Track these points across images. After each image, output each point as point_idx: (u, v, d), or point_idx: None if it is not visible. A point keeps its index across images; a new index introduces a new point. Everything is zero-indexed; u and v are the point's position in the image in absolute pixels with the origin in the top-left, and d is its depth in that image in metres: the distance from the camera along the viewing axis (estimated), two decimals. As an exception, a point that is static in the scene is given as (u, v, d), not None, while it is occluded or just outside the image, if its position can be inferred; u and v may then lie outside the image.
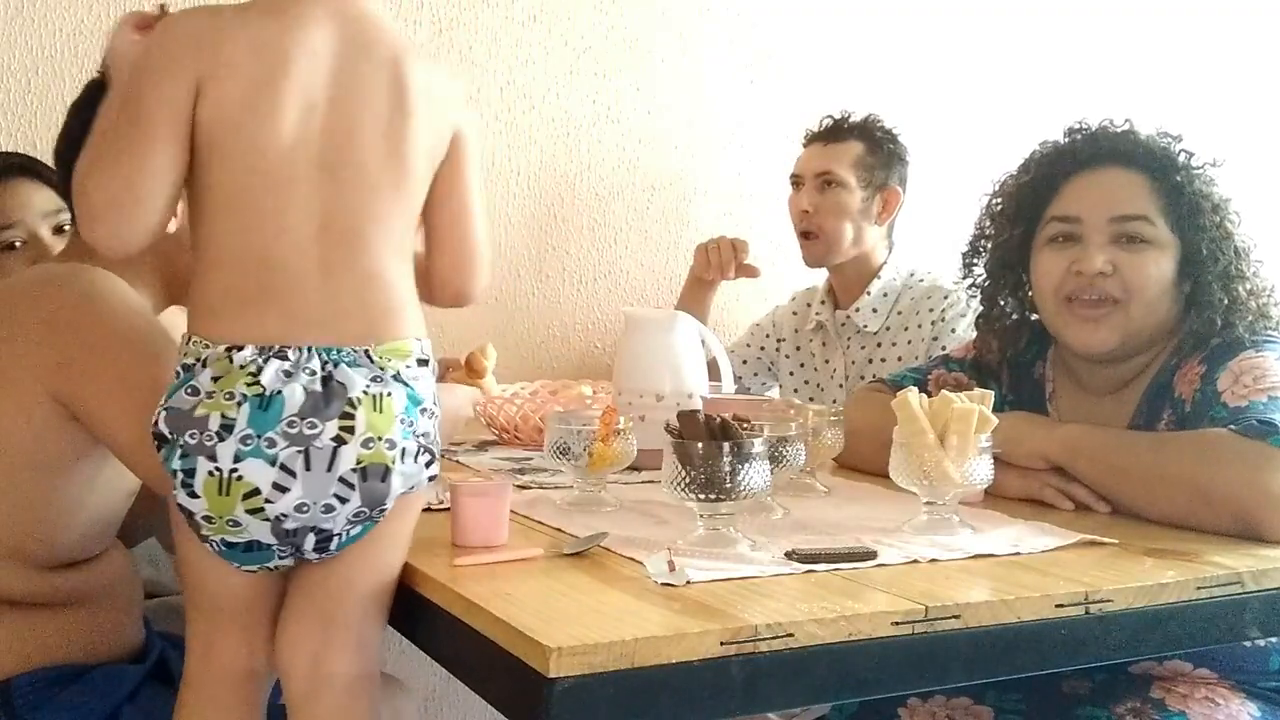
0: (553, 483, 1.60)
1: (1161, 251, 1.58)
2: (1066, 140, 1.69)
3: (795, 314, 2.57)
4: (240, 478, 1.08)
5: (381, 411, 1.11)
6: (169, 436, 1.10)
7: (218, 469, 1.08)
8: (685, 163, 2.71)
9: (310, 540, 1.13)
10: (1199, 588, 1.19)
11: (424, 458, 1.16)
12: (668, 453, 1.22)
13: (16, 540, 1.34)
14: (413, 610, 1.17)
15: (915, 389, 1.38)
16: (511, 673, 0.94)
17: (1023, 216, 1.70)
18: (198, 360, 1.11)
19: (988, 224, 1.76)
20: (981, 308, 1.79)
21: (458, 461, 1.82)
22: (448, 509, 1.26)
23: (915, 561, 1.20)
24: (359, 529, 1.14)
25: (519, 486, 1.55)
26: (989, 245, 1.76)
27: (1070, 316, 1.61)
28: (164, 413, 1.10)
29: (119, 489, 1.41)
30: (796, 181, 2.43)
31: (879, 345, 2.40)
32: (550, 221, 2.57)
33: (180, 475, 1.10)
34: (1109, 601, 1.13)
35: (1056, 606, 1.11)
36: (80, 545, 1.40)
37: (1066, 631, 1.11)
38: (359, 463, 1.10)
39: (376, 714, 1.20)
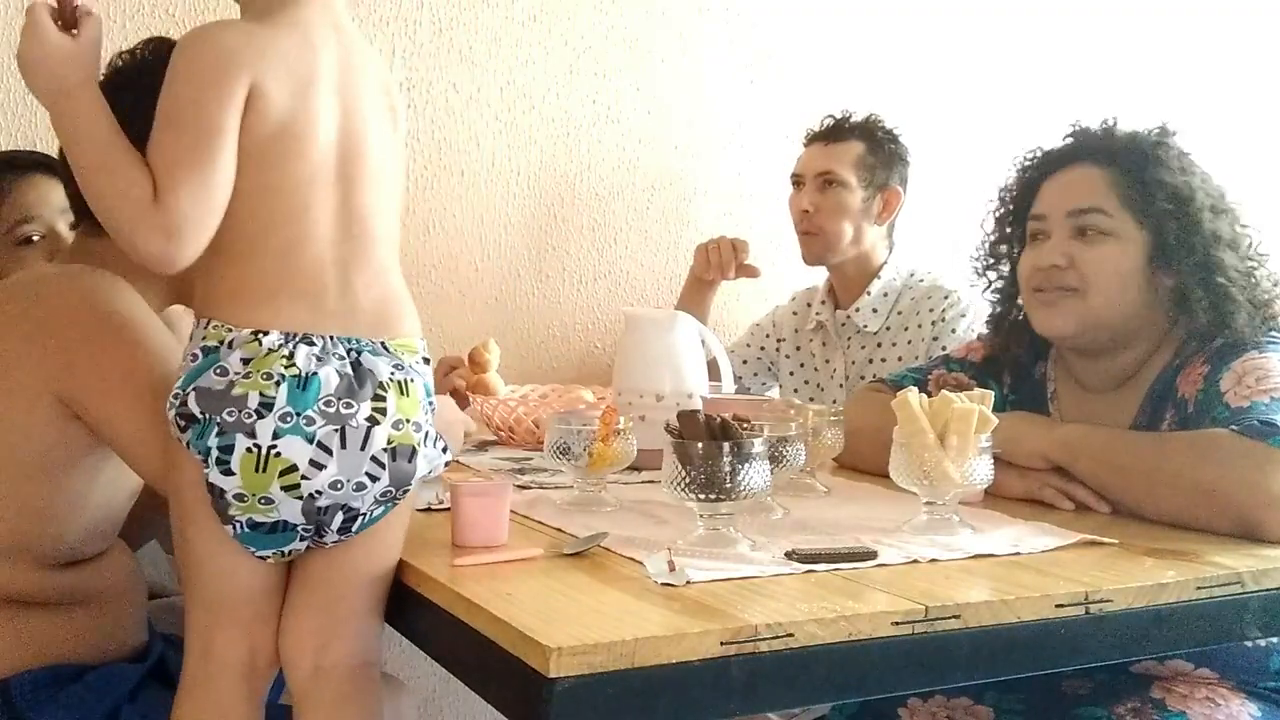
0: (553, 483, 1.60)
1: (1122, 243, 1.59)
2: (1050, 146, 1.74)
3: (795, 314, 2.57)
4: (279, 454, 1.11)
5: (408, 395, 1.16)
6: (200, 416, 1.12)
7: (256, 445, 1.11)
8: (685, 163, 2.71)
9: (338, 519, 1.16)
10: (1199, 588, 1.19)
11: (440, 443, 1.22)
12: (668, 453, 1.22)
13: (19, 538, 1.34)
14: (413, 610, 1.17)
15: (915, 389, 1.38)
16: (511, 673, 0.94)
17: (1014, 219, 1.77)
18: (222, 342, 1.13)
19: (991, 229, 1.81)
20: (998, 310, 1.82)
21: (458, 461, 1.81)
22: (448, 509, 1.27)
23: (915, 561, 1.20)
24: (380, 510, 1.18)
25: (519, 486, 1.55)
26: (993, 250, 1.81)
27: (1034, 304, 1.67)
28: (193, 393, 1.12)
29: (121, 488, 1.41)
30: (797, 181, 2.43)
31: (879, 345, 2.40)
32: (550, 221, 2.57)
33: (216, 453, 1.11)
34: (1109, 601, 1.13)
35: (1056, 606, 1.11)
36: (82, 544, 1.40)
37: (1066, 631, 1.11)
38: (390, 443, 1.15)
39: (379, 703, 1.22)
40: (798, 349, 2.55)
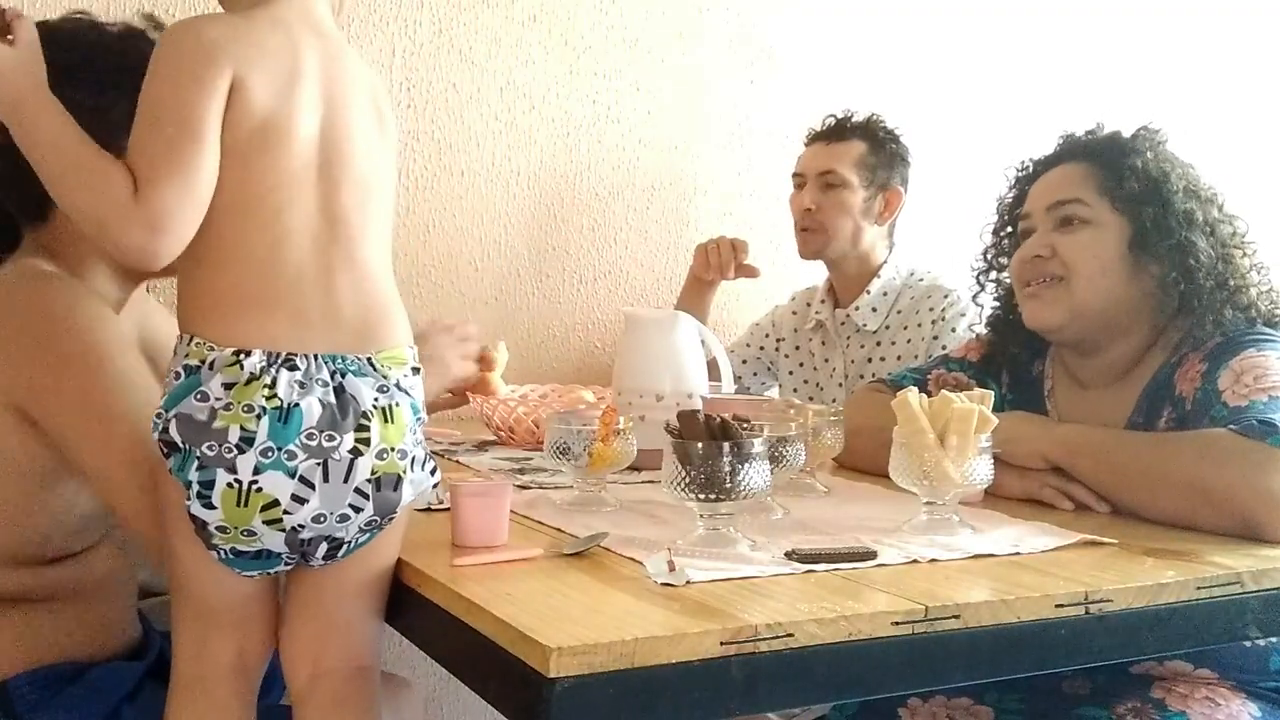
0: (553, 483, 1.60)
1: (1100, 228, 1.62)
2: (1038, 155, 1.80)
3: (795, 314, 2.57)
4: (260, 489, 1.09)
5: (393, 422, 1.13)
6: (181, 445, 1.10)
7: (237, 481, 1.09)
8: (685, 163, 2.71)
9: (322, 548, 1.15)
10: (1199, 588, 1.19)
11: (429, 465, 1.19)
12: (668, 453, 1.22)
13: (8, 541, 1.34)
14: (413, 610, 1.17)
15: (915, 389, 1.38)
16: (511, 673, 0.94)
17: (1007, 226, 1.82)
18: (203, 362, 1.10)
19: (989, 240, 1.86)
20: (1000, 314, 1.84)
21: (458, 461, 1.82)
22: (448, 509, 1.27)
23: (915, 561, 1.20)
24: (367, 536, 1.16)
25: (519, 486, 1.55)
26: (992, 258, 1.86)
27: (1023, 299, 1.70)
28: (175, 420, 1.09)
29: None
30: (799, 181, 2.43)
31: (879, 344, 2.40)
32: (550, 221, 2.57)
33: (197, 486, 1.09)
34: (1109, 601, 1.13)
35: (1056, 606, 1.11)
36: (70, 542, 1.39)
37: (1066, 631, 1.11)
38: (374, 473, 1.12)
39: (376, 705, 1.21)
40: (797, 349, 2.55)
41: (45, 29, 1.18)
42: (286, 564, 1.16)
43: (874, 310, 2.40)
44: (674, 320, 1.79)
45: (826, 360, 2.48)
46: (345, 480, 1.11)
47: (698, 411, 1.26)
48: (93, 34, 1.42)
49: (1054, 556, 1.26)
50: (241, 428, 1.08)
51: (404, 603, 1.19)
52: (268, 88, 1.12)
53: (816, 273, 2.53)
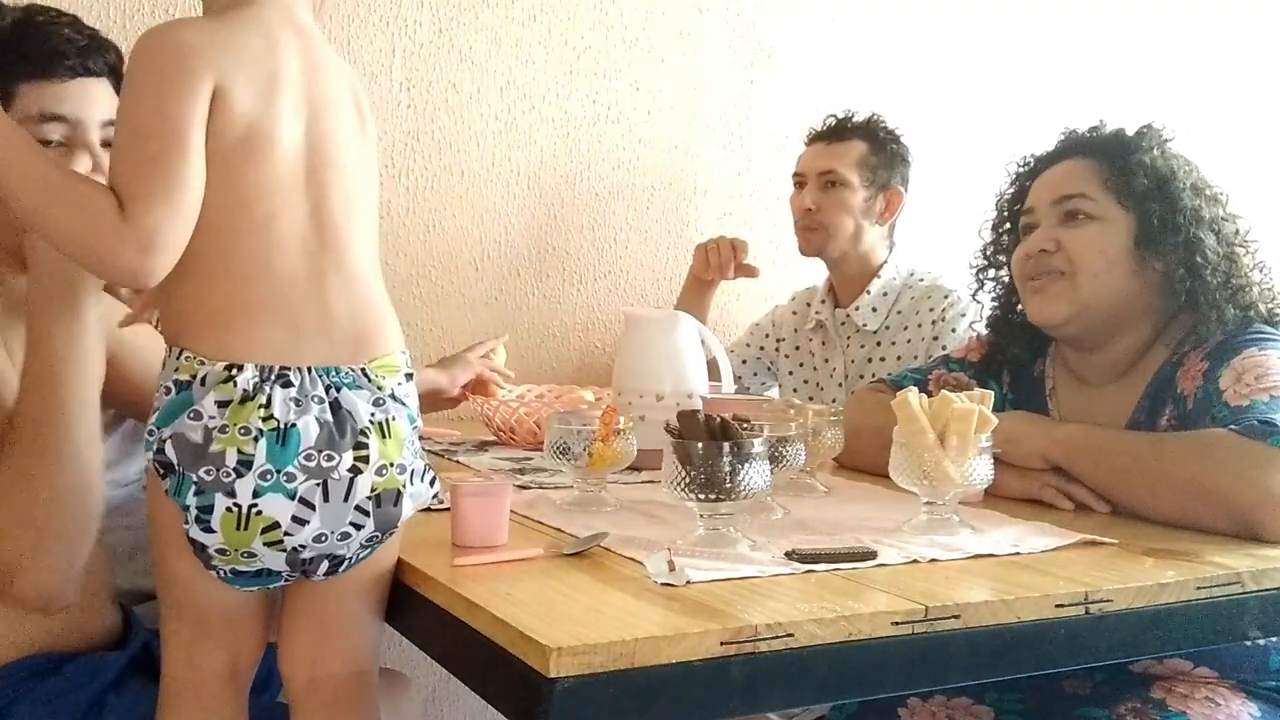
0: (553, 483, 1.60)
1: (1105, 224, 1.62)
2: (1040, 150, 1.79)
3: (795, 314, 2.57)
4: (260, 513, 1.08)
5: (390, 437, 1.12)
6: (176, 468, 1.08)
7: (236, 505, 1.07)
8: (685, 163, 2.71)
9: (323, 566, 1.14)
10: (1199, 588, 1.19)
11: (428, 476, 1.18)
12: (668, 453, 1.21)
13: None
14: (413, 610, 1.17)
15: (915, 389, 1.38)
16: (511, 673, 0.94)
17: (1007, 222, 1.81)
18: (194, 378, 1.08)
19: (988, 236, 1.85)
20: (998, 312, 1.84)
21: (458, 461, 1.82)
22: (448, 509, 1.26)
23: (915, 561, 1.20)
24: (367, 552, 1.16)
25: (519, 486, 1.55)
26: (991, 256, 1.85)
27: (1027, 294, 1.69)
28: (170, 440, 1.08)
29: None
30: (799, 180, 2.43)
31: (879, 344, 2.40)
32: (550, 221, 2.57)
33: (195, 511, 1.08)
34: (1109, 601, 1.13)
35: (1056, 606, 1.11)
36: None
37: (1066, 631, 1.11)
38: (373, 490, 1.11)
39: (374, 707, 1.21)
40: (797, 349, 2.55)
41: None
42: (287, 580, 1.16)
43: (874, 310, 2.40)
44: (674, 320, 1.79)
45: (826, 360, 2.48)
46: (345, 499, 1.10)
47: (698, 411, 1.26)
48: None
49: (1054, 556, 1.26)
50: (239, 451, 1.06)
51: (404, 603, 1.19)
52: (250, 93, 1.09)
53: (816, 273, 2.53)
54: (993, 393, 1.38)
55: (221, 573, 1.13)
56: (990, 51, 3.00)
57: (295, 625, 1.19)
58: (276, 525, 1.08)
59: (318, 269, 1.13)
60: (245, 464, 1.07)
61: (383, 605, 1.20)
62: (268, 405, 1.07)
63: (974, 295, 1.88)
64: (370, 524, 1.12)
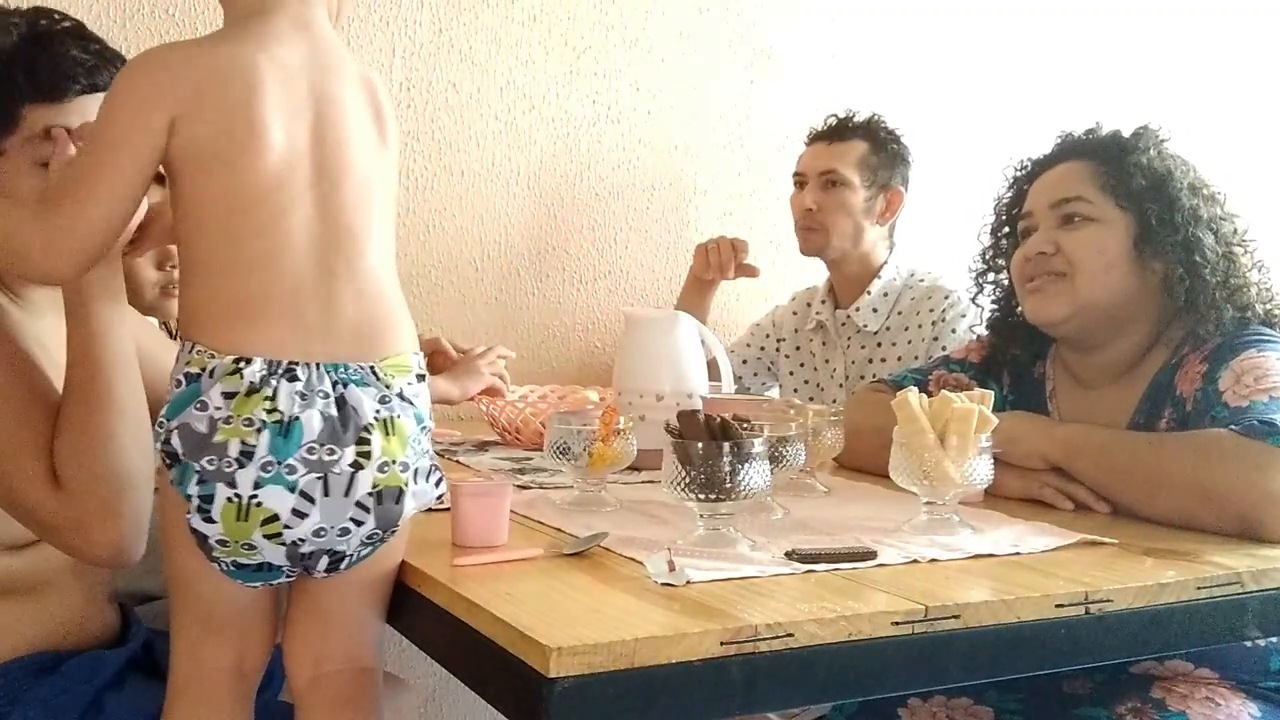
0: (553, 483, 1.60)
1: (1104, 226, 1.63)
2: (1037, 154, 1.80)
3: (795, 314, 2.57)
4: (260, 504, 1.08)
5: (394, 434, 1.12)
6: (181, 458, 1.09)
7: (237, 495, 1.08)
8: (685, 163, 2.71)
9: (323, 561, 1.14)
10: (1199, 588, 1.19)
11: (435, 476, 1.17)
12: (668, 453, 1.21)
13: None
14: (413, 610, 1.17)
15: (915, 389, 1.38)
16: (511, 673, 0.94)
17: (1006, 225, 1.82)
18: (203, 370, 1.10)
19: (987, 240, 1.86)
20: (997, 315, 1.84)
21: (458, 461, 1.82)
22: (448, 509, 1.26)
23: (915, 561, 1.20)
24: (368, 550, 1.16)
25: (519, 486, 1.55)
26: (990, 259, 1.86)
27: (1025, 295, 1.70)
28: (176, 430, 1.09)
29: None
30: (800, 180, 2.43)
31: (879, 345, 2.40)
32: (550, 221, 2.57)
33: (197, 500, 1.09)
34: (1109, 601, 1.13)
35: (1056, 606, 1.11)
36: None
37: (1066, 631, 1.11)
38: (375, 486, 1.11)
39: (378, 706, 1.21)
40: (798, 349, 2.55)
41: None
42: (288, 576, 1.16)
43: (874, 311, 2.40)
44: (674, 320, 1.79)
45: (827, 361, 2.48)
46: (346, 494, 1.10)
47: (698, 411, 1.26)
48: None
49: (1054, 556, 1.26)
50: (242, 442, 1.07)
51: (404, 603, 1.19)
52: (217, 116, 1.11)
53: (817, 273, 2.53)
54: (993, 393, 1.38)
55: (223, 565, 1.13)
56: (990, 52, 3.00)
57: (300, 622, 1.20)
58: (276, 517, 1.09)
59: (328, 267, 1.14)
60: (247, 455, 1.07)
61: (386, 604, 1.21)
62: (273, 398, 1.08)
63: (974, 299, 1.89)
64: (371, 520, 1.12)
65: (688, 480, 1.20)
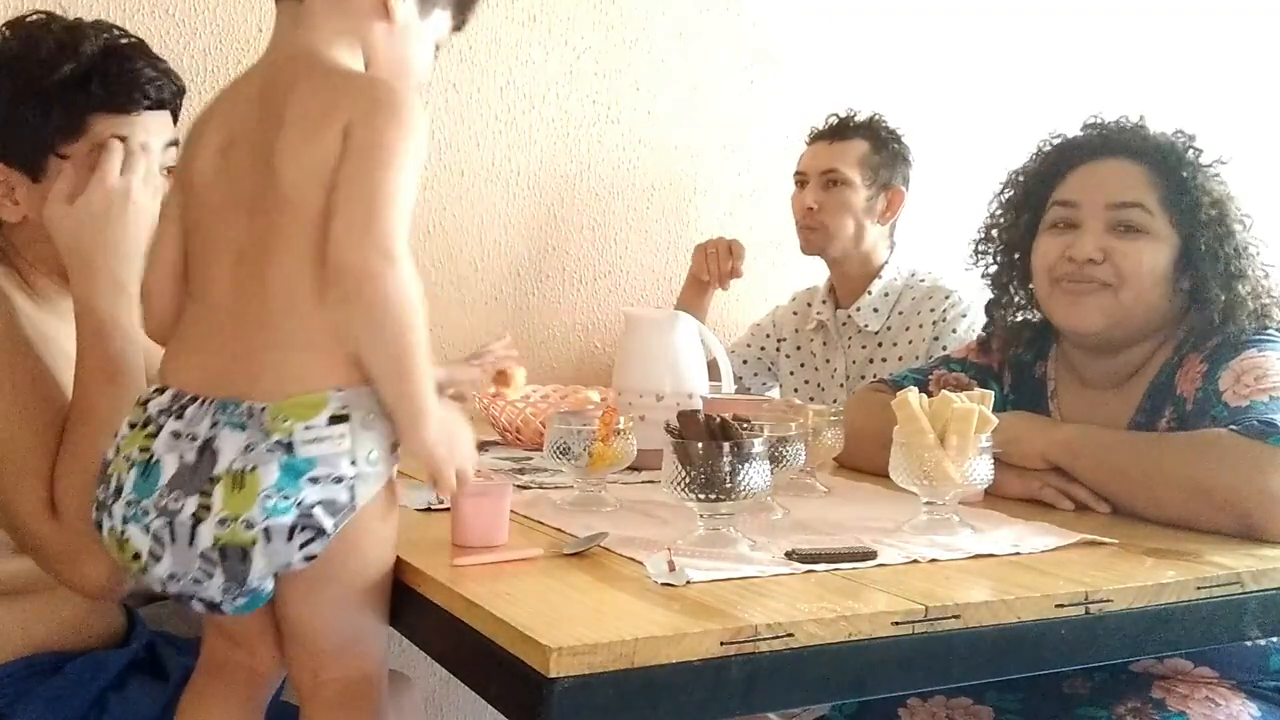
0: (553, 483, 1.60)
1: (1157, 242, 1.58)
2: (1078, 132, 1.70)
3: (796, 314, 2.57)
4: (127, 539, 1.09)
5: (242, 488, 1.04)
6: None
7: (113, 528, 1.11)
8: (685, 163, 2.71)
9: (202, 605, 1.11)
10: (1199, 588, 1.19)
11: (302, 536, 1.05)
12: (668, 453, 1.21)
13: None
14: (413, 611, 1.17)
15: (915, 389, 1.38)
16: (511, 673, 0.94)
17: (1029, 204, 1.71)
18: (140, 402, 1.14)
19: (998, 212, 1.77)
20: (991, 295, 1.80)
21: (458, 461, 1.81)
22: (448, 509, 1.26)
23: (915, 561, 1.20)
24: (245, 600, 1.10)
25: (519, 486, 1.55)
26: (999, 233, 1.77)
27: (1060, 295, 1.62)
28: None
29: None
30: (801, 179, 2.43)
31: (880, 345, 2.40)
32: (550, 221, 2.57)
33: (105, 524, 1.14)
34: (1109, 601, 1.13)
35: (1056, 606, 1.11)
36: None
37: (1066, 631, 1.11)
38: (217, 541, 1.05)
39: (381, 709, 1.21)
40: (798, 349, 2.55)
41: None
42: (210, 610, 1.11)
43: (875, 311, 2.40)
44: (674, 320, 1.79)
45: (827, 361, 2.48)
46: (190, 544, 1.05)
47: (698, 411, 1.26)
48: None
49: (1054, 556, 1.26)
50: (118, 476, 1.10)
51: (404, 603, 1.19)
52: (201, 154, 1.18)
53: (817, 273, 2.53)
54: (993, 393, 1.38)
55: None
56: (990, 51, 3.00)
57: (291, 636, 1.19)
58: (139, 555, 1.09)
59: (242, 295, 1.12)
60: (118, 490, 1.10)
61: (381, 610, 1.18)
62: (155, 435, 1.09)
63: (976, 263, 1.78)
64: (219, 575, 1.06)
65: (688, 480, 1.20)
